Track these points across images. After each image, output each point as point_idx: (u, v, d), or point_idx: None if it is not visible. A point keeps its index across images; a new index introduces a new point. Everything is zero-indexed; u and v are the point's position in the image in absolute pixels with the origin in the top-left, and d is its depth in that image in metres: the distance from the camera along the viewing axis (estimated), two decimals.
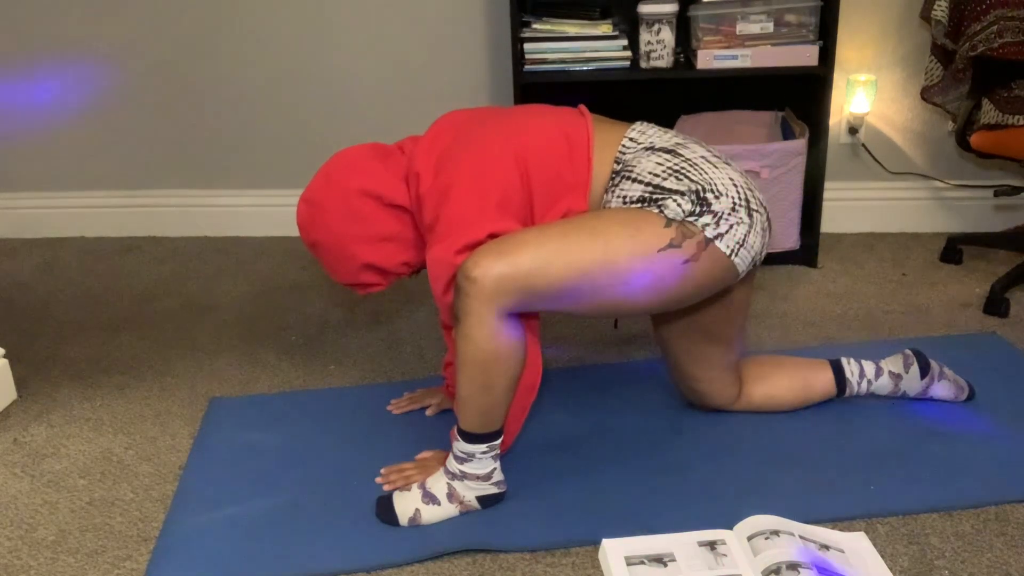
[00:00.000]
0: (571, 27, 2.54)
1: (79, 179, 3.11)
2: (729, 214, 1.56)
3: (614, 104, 2.81)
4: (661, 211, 1.55)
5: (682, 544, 1.52)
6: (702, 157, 1.62)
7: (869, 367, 1.90)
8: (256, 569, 1.53)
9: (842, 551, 1.50)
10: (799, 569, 1.42)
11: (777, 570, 1.43)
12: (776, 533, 1.51)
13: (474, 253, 1.49)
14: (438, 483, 1.63)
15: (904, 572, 1.49)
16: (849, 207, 2.91)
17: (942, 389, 1.90)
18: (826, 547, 1.50)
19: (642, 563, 1.48)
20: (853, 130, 2.83)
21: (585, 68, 2.55)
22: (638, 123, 1.71)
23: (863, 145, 2.85)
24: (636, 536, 1.55)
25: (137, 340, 2.39)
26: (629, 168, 1.62)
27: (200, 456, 1.86)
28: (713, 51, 2.48)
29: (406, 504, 1.62)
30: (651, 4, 2.47)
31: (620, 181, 1.62)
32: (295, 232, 3.08)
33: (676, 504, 1.65)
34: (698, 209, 1.55)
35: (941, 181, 2.87)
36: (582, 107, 1.73)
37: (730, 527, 1.56)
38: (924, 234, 2.90)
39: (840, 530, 1.57)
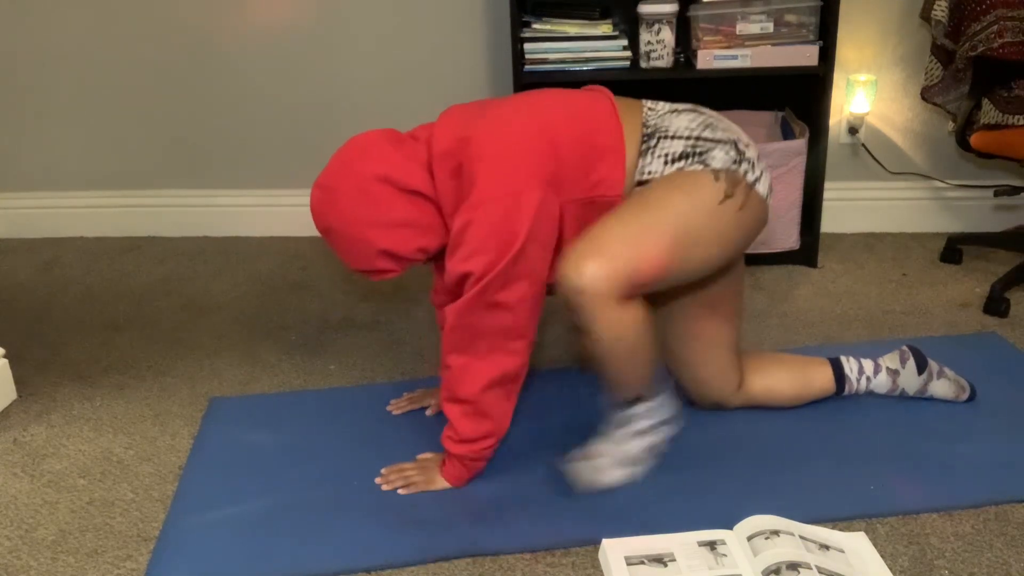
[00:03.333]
0: (571, 27, 2.54)
1: (79, 179, 3.11)
2: (758, 161, 1.66)
3: None
4: (707, 164, 1.59)
5: (682, 544, 1.52)
6: (714, 114, 1.70)
7: (868, 365, 1.90)
8: (256, 569, 1.53)
9: (842, 551, 1.50)
10: (799, 569, 1.42)
11: (777, 570, 1.43)
12: (776, 533, 1.51)
13: (568, 263, 1.51)
14: (627, 446, 1.68)
15: (904, 572, 1.49)
16: (849, 207, 2.91)
17: (942, 388, 1.89)
18: (826, 547, 1.50)
19: (642, 563, 1.48)
20: (853, 130, 2.82)
21: (585, 68, 2.55)
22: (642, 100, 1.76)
23: (863, 145, 2.85)
24: (636, 536, 1.55)
25: (137, 340, 2.39)
26: (663, 128, 1.65)
27: (200, 456, 1.86)
28: (713, 51, 2.48)
29: (601, 474, 1.68)
30: (651, 4, 2.47)
31: (658, 141, 1.64)
32: (295, 232, 3.08)
33: (676, 504, 1.65)
34: (736, 156, 1.62)
35: (941, 181, 2.87)
36: (589, 86, 1.76)
37: (730, 527, 1.56)
38: (924, 234, 2.89)
39: (840, 530, 1.57)
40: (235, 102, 2.96)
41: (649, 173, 1.62)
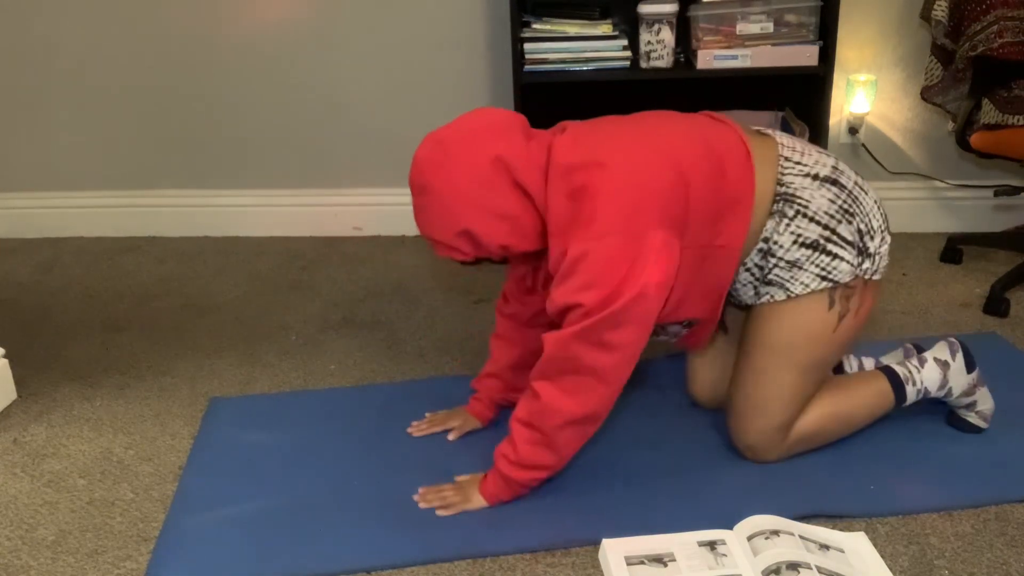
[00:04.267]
0: (571, 27, 2.54)
1: (79, 179, 3.11)
2: (880, 245, 1.66)
3: (614, 104, 2.80)
4: (829, 276, 1.60)
5: (682, 544, 1.52)
6: (855, 183, 1.66)
7: (868, 363, 1.89)
8: (255, 569, 1.53)
9: (842, 551, 1.50)
10: (799, 569, 1.42)
11: (777, 570, 1.43)
12: (776, 533, 1.51)
13: (735, 437, 1.73)
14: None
15: (904, 572, 1.49)
16: None
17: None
18: (826, 547, 1.50)
19: (642, 563, 1.48)
20: (853, 130, 2.83)
21: (585, 68, 2.55)
22: (770, 131, 1.69)
23: (863, 145, 2.85)
24: (636, 536, 1.55)
25: (137, 340, 2.39)
26: (802, 202, 1.60)
27: (200, 456, 1.86)
28: (713, 51, 2.48)
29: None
30: (651, 4, 2.47)
31: (795, 216, 1.60)
32: (295, 232, 3.08)
33: (676, 504, 1.65)
34: (859, 260, 1.63)
35: (941, 181, 2.87)
36: (712, 113, 1.69)
37: (730, 527, 1.56)
38: (924, 234, 2.90)
39: (840, 530, 1.57)
40: (235, 102, 2.97)
41: (776, 244, 1.61)
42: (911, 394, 1.77)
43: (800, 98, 2.69)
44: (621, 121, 1.64)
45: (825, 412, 1.73)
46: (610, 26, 2.54)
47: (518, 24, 2.52)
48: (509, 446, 1.61)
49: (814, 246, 1.60)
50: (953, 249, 2.68)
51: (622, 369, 1.54)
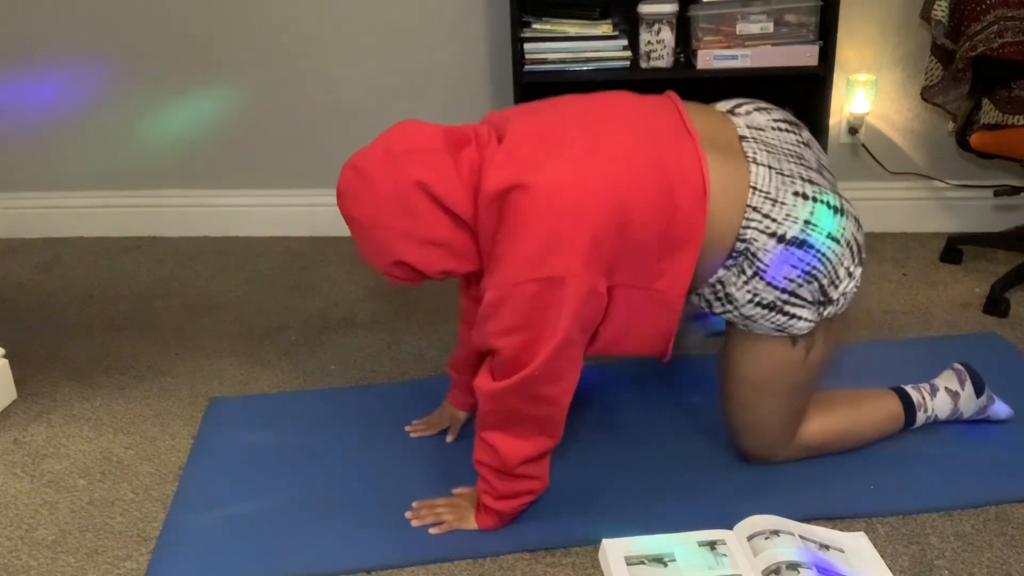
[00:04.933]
0: (571, 27, 2.54)
1: (79, 179, 3.11)
2: (847, 285, 1.54)
3: None
4: (786, 331, 1.55)
5: (682, 544, 1.52)
6: (827, 236, 1.49)
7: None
8: (256, 569, 1.53)
9: (842, 551, 1.50)
10: (799, 569, 1.42)
11: (777, 570, 1.43)
12: (776, 533, 1.51)
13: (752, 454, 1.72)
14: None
15: (904, 572, 1.49)
16: None
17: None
18: (826, 547, 1.50)
19: (642, 563, 1.48)
20: (853, 130, 2.82)
21: (585, 68, 2.55)
22: (751, 151, 1.51)
23: (863, 145, 2.85)
24: (636, 536, 1.55)
25: (137, 340, 2.39)
26: (762, 266, 1.49)
27: (200, 456, 1.86)
28: (713, 51, 2.48)
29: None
30: (651, 4, 2.47)
31: (753, 277, 1.50)
32: (295, 232, 3.08)
33: (676, 504, 1.65)
34: (820, 311, 1.54)
35: (941, 181, 2.87)
36: (682, 112, 1.54)
37: (730, 527, 1.56)
38: (924, 234, 2.89)
39: (840, 530, 1.57)
40: (235, 102, 2.96)
41: (730, 296, 1.53)
42: (921, 419, 1.80)
43: (800, 98, 2.69)
44: (569, 116, 1.51)
45: (833, 427, 1.73)
46: (610, 26, 2.54)
47: (518, 24, 2.52)
48: (486, 485, 1.57)
49: (770, 307, 1.52)
50: (953, 249, 2.68)
51: (564, 409, 1.50)
